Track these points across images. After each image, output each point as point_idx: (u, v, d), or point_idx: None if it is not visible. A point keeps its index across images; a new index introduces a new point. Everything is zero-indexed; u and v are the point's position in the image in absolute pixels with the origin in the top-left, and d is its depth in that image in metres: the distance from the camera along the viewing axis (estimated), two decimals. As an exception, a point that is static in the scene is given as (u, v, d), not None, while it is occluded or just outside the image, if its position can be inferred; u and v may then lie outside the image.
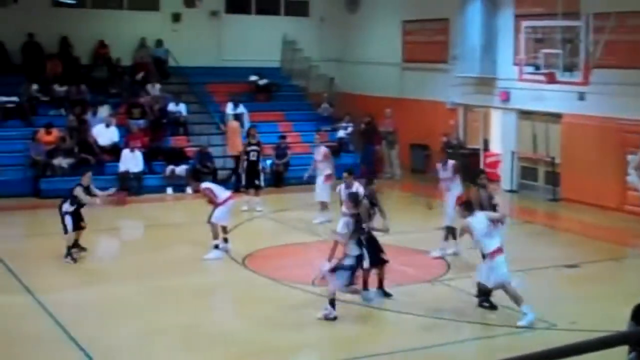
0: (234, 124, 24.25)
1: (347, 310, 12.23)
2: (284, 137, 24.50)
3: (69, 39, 26.09)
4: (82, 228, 15.55)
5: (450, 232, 15.38)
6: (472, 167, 24.53)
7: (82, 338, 10.84)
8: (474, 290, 12.42)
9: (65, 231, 15.16)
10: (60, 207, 15.36)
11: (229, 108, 25.46)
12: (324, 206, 18.32)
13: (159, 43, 27.17)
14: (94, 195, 15.76)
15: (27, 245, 16.88)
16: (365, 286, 12.63)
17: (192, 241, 16.31)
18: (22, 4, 25.34)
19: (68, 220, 15.20)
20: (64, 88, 24.70)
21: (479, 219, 11.94)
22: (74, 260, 15.07)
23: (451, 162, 16.09)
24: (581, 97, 20.71)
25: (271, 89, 27.81)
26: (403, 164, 26.04)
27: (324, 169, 18.62)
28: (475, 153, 24.91)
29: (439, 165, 16.23)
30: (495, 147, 24.78)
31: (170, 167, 22.86)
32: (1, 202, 19.61)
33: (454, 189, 15.90)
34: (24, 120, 23.37)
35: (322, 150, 19.04)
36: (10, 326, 11.57)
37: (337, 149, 25.83)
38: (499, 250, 11.77)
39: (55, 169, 21.84)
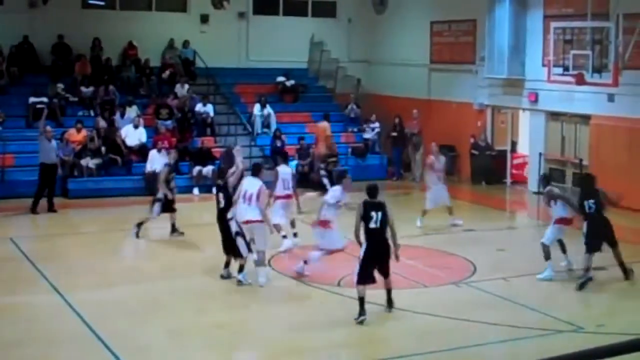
0: (324, 123, 24.41)
1: (373, 311, 12.22)
2: (303, 138, 24.57)
3: (100, 40, 26.27)
4: (173, 210, 17.09)
5: (561, 246, 14.83)
6: (498, 169, 24.63)
7: (110, 337, 10.89)
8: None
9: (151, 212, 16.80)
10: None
11: (256, 109, 25.58)
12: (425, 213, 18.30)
13: (186, 44, 27.27)
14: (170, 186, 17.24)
15: (55, 245, 17.00)
16: None
17: (219, 241, 16.32)
18: (52, 6, 25.55)
19: (157, 206, 16.83)
20: (91, 89, 24.89)
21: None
22: (137, 236, 16.74)
23: (547, 189, 14.87)
24: (610, 98, 20.55)
25: (298, 90, 27.87)
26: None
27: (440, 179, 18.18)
28: (502, 155, 24.82)
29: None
30: (522, 148, 24.64)
31: (197, 168, 22.95)
32: (30, 202, 19.75)
33: (556, 213, 14.55)
34: (53, 121, 23.54)
35: (442, 158, 18.68)
36: (39, 326, 11.65)
37: (363, 150, 25.87)
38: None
39: (83, 169, 22.01)
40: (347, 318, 11.82)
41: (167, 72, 26.49)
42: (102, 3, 26.50)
